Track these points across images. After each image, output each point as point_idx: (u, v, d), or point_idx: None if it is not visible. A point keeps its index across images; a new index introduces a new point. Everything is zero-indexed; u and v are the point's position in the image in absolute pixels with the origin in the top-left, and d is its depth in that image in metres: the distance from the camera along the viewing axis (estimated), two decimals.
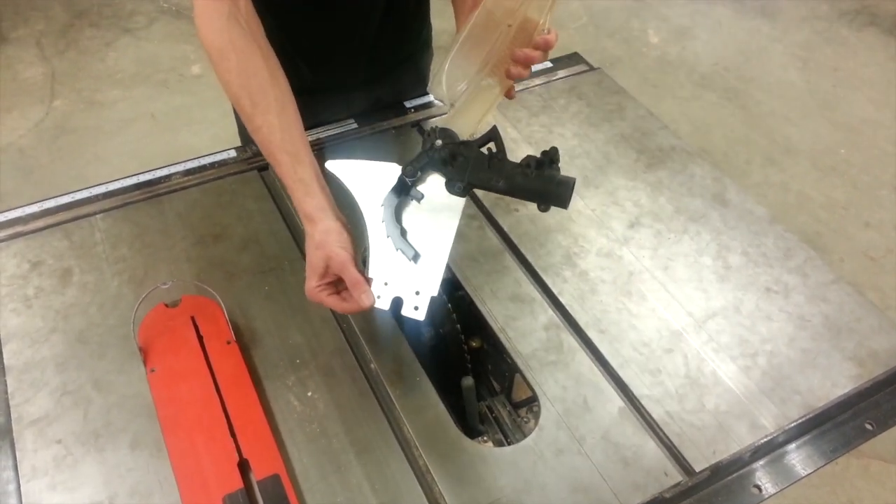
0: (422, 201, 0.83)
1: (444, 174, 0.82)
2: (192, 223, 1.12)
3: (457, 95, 0.82)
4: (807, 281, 1.07)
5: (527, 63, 0.79)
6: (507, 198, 1.18)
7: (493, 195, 1.17)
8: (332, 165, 0.86)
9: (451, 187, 0.82)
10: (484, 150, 0.82)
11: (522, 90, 1.42)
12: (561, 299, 1.03)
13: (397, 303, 0.80)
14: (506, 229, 1.13)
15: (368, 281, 0.81)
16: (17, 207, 1.14)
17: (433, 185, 0.83)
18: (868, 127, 3.10)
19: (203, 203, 1.15)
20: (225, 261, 1.06)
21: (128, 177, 1.20)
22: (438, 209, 0.83)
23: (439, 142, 0.81)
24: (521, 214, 1.16)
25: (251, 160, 1.23)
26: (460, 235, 1.11)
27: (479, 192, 1.18)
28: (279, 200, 1.16)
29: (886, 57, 3.54)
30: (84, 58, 3.34)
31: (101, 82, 3.20)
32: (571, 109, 1.37)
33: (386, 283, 0.81)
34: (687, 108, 3.20)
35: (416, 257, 0.80)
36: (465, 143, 0.81)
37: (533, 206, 1.16)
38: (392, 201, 0.83)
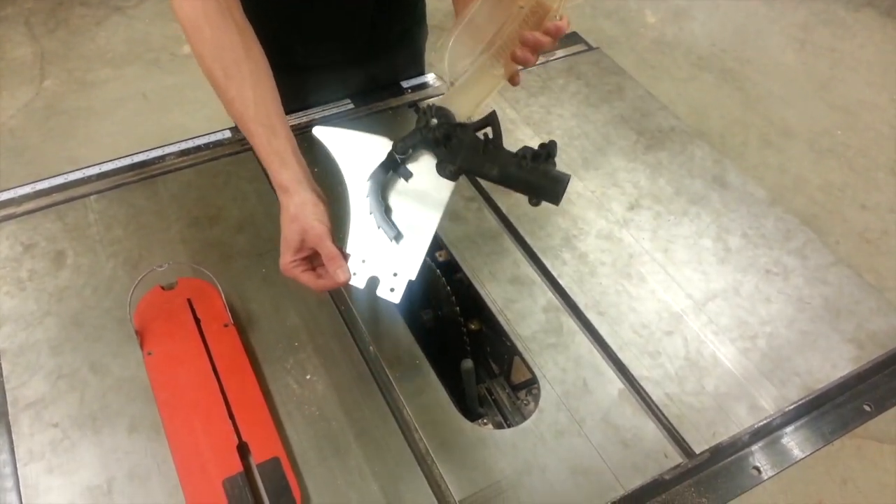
0: (410, 180, 0.81)
1: (437, 155, 0.80)
2: (187, 205, 1.10)
3: (458, 74, 0.80)
4: (806, 263, 1.07)
5: (535, 48, 0.77)
6: None
7: None
8: (319, 132, 0.83)
9: (441, 169, 0.80)
10: (480, 134, 0.79)
11: (520, 69, 1.40)
12: (560, 281, 1.02)
13: (373, 283, 0.78)
14: (504, 211, 1.12)
15: (345, 256, 0.79)
16: (9, 189, 1.12)
17: (424, 165, 0.81)
18: (865, 109, 3.09)
19: (198, 184, 1.14)
20: (221, 243, 1.05)
21: (121, 157, 1.18)
22: (426, 191, 0.81)
23: (435, 121, 0.78)
24: (520, 196, 1.14)
25: (246, 141, 1.21)
26: (458, 217, 1.11)
27: None
28: None
29: (884, 38, 3.52)
30: (74, 37, 3.29)
31: (91, 62, 3.16)
32: (570, 90, 1.36)
33: (364, 261, 0.79)
34: (684, 89, 3.18)
35: (398, 237, 0.78)
36: (462, 126, 0.79)
37: None
38: (379, 177, 0.80)
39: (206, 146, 1.21)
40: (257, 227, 1.07)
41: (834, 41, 3.49)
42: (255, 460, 0.81)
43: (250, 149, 1.19)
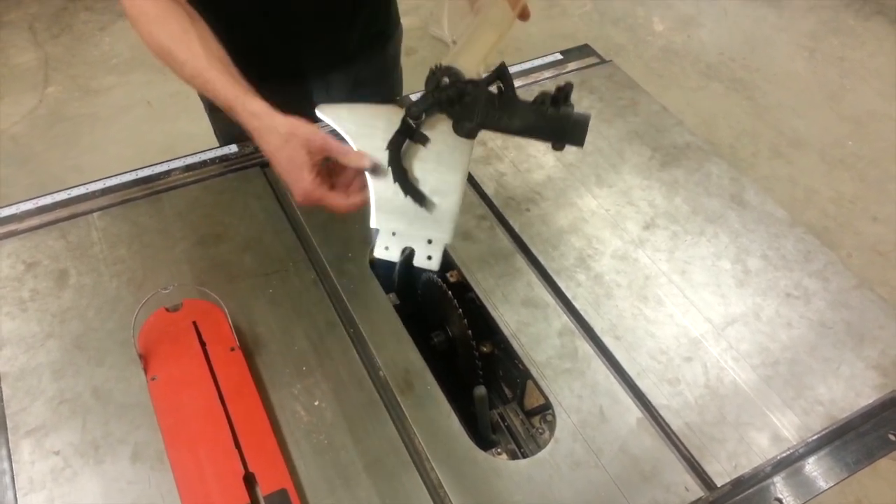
0: (428, 145, 0.79)
1: (451, 115, 0.78)
2: (193, 222, 1.08)
3: (459, 32, 0.79)
4: (828, 286, 1.04)
5: None
6: (518, 197, 1.15)
7: (504, 193, 1.15)
8: (323, 111, 0.81)
9: (459, 129, 0.78)
10: (492, 88, 0.78)
11: (532, 83, 1.37)
12: (575, 304, 1.00)
13: (409, 254, 0.78)
14: (517, 230, 1.10)
15: (374, 233, 0.78)
16: (11, 204, 1.10)
17: (439, 127, 0.79)
18: (875, 119, 3.05)
19: (204, 201, 1.11)
20: (227, 262, 1.03)
21: (125, 172, 1.16)
22: (446, 153, 0.79)
23: (446, 80, 0.76)
24: (533, 214, 1.12)
25: (253, 156, 1.19)
26: (470, 236, 1.08)
27: (488, 190, 1.15)
28: (282, 199, 1.12)
29: (893, 47, 3.48)
30: (78, 43, 3.27)
31: (95, 68, 3.14)
32: (583, 104, 1.33)
33: (394, 234, 0.78)
34: (692, 98, 3.15)
35: (427, 203, 0.77)
36: (473, 82, 0.76)
37: (546, 205, 1.14)
38: (396, 145, 0.78)
39: (213, 161, 1.19)
40: (264, 246, 1.05)
41: (844, 50, 3.46)
42: (262, 492, 0.78)
43: (258, 164, 1.18)
